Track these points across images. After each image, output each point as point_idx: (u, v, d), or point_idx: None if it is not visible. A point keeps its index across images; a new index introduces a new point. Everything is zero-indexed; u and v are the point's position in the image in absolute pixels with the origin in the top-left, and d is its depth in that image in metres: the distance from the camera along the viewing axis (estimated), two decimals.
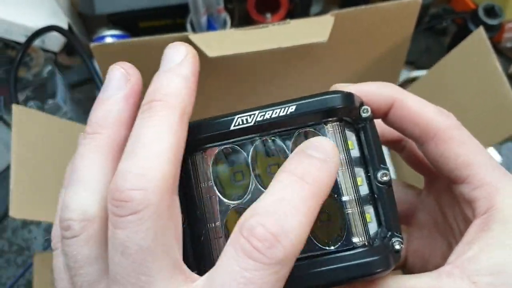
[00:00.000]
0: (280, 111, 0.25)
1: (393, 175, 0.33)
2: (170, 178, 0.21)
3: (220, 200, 0.26)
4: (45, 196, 0.44)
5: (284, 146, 0.26)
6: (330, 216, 0.25)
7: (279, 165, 0.25)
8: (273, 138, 0.26)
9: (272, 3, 0.66)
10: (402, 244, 0.25)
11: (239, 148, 0.26)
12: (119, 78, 0.25)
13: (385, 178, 0.26)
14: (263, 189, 0.25)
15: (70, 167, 0.24)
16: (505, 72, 0.46)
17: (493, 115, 0.46)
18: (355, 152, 0.26)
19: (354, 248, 0.24)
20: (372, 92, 0.28)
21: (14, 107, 0.44)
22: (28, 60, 0.65)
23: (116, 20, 0.65)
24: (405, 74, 0.69)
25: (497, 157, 0.67)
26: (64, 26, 0.66)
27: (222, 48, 0.45)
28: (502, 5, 0.66)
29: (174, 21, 0.66)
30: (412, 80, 0.67)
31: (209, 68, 0.53)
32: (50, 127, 0.49)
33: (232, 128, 0.25)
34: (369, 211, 0.26)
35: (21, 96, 0.63)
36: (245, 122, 0.25)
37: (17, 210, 0.40)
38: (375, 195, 0.26)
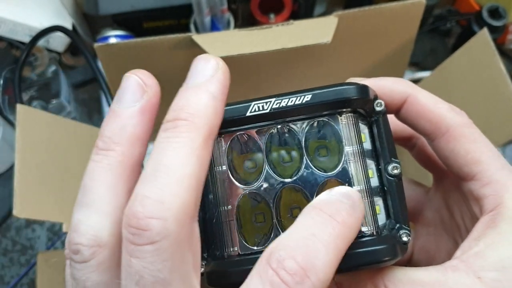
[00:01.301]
0: (296, 100, 0.25)
1: None
2: (191, 205, 0.20)
3: (233, 184, 0.26)
4: (49, 195, 0.44)
5: (297, 135, 0.26)
6: None
7: (291, 154, 0.26)
8: (287, 126, 0.26)
9: (275, 3, 0.66)
10: (409, 236, 0.25)
11: (253, 135, 0.27)
12: (135, 89, 0.23)
13: (395, 171, 0.26)
14: (275, 176, 0.26)
15: (82, 183, 0.23)
16: (509, 73, 0.46)
17: (497, 116, 0.46)
18: (367, 145, 0.27)
19: (362, 236, 0.25)
20: (387, 86, 0.28)
21: (18, 106, 0.44)
22: (33, 60, 0.65)
23: (120, 20, 0.65)
24: (409, 75, 0.69)
25: None
26: (69, 26, 0.66)
27: (226, 48, 0.46)
28: (506, 6, 0.65)
29: (177, 22, 0.66)
30: (416, 81, 0.67)
31: None
32: (54, 127, 0.49)
33: (248, 114, 0.26)
34: (378, 203, 0.26)
35: (25, 96, 0.64)
36: (261, 108, 0.26)
37: (20, 210, 0.40)
38: (385, 188, 0.26)
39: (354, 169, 0.26)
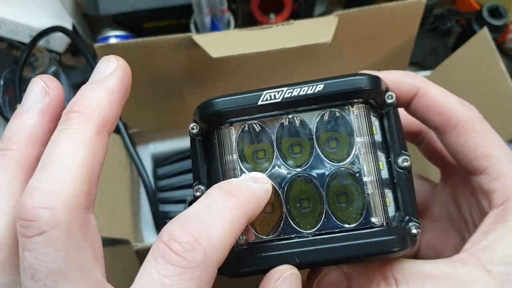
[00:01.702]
0: (308, 89, 0.25)
1: None
2: (82, 195, 0.20)
3: (243, 173, 0.26)
4: None
5: (308, 125, 0.26)
6: (350, 196, 0.26)
7: (301, 145, 0.26)
8: (298, 117, 0.27)
9: (276, 3, 0.66)
10: (419, 228, 0.25)
11: (264, 125, 0.27)
12: (38, 91, 0.24)
13: (406, 164, 0.26)
14: (286, 166, 0.26)
15: None
16: (509, 73, 0.46)
17: (497, 115, 0.46)
18: (377, 137, 0.27)
19: (372, 227, 0.25)
20: (397, 79, 0.28)
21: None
22: (33, 60, 0.65)
23: (121, 20, 0.65)
24: None
25: None
26: (69, 26, 0.66)
27: (226, 48, 0.46)
28: (507, 5, 0.65)
29: (178, 22, 0.66)
30: None
31: (212, 69, 0.53)
32: None
33: (260, 103, 0.26)
34: (388, 195, 0.26)
35: None
36: (273, 97, 0.26)
37: None
38: (395, 180, 0.26)
39: (364, 160, 0.26)
